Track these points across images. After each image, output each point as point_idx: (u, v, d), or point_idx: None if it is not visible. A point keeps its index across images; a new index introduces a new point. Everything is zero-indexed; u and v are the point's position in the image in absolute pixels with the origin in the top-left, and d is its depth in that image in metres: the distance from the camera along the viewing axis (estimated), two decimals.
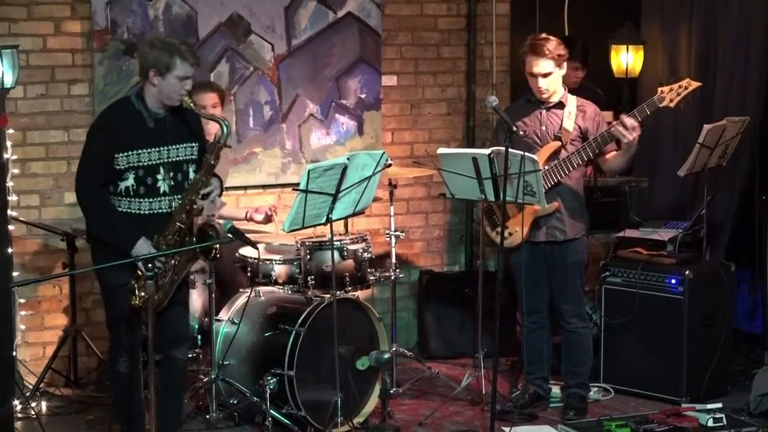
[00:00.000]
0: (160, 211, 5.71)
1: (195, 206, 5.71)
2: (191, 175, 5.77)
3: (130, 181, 5.66)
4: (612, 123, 6.48)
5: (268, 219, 7.12)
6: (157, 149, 5.68)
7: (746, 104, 7.78)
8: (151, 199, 5.69)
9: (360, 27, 7.87)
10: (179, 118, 5.77)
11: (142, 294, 5.54)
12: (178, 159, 5.74)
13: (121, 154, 5.61)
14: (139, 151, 5.64)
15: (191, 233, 5.73)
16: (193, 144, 5.80)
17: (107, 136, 5.65)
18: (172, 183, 5.72)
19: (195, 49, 5.84)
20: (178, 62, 5.62)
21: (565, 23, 8.35)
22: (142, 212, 5.69)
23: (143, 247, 5.57)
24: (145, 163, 5.66)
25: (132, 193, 5.67)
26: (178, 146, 5.74)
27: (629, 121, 6.31)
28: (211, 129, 6.40)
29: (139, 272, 5.55)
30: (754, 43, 7.81)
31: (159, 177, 5.69)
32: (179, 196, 5.72)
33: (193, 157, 5.79)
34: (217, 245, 5.73)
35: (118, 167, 5.62)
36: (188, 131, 5.80)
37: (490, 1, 8.18)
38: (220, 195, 5.90)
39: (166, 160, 5.71)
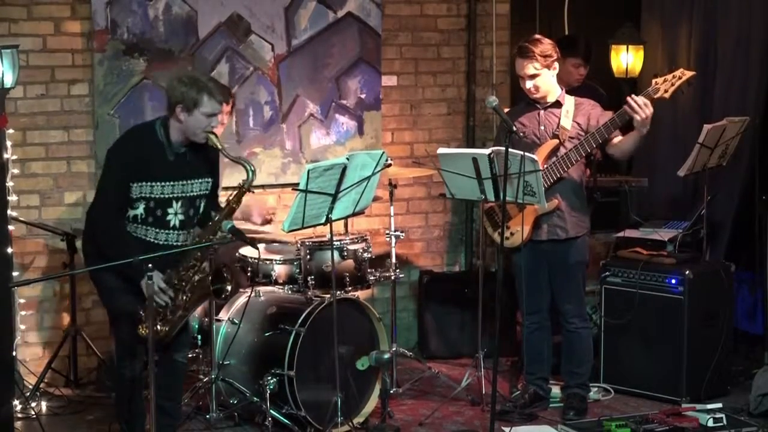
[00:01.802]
0: (166, 242, 5.70)
1: (211, 246, 5.70)
2: (202, 209, 5.76)
3: (139, 210, 5.65)
4: (619, 111, 6.47)
5: (266, 222, 7.11)
6: (172, 183, 5.66)
7: (746, 104, 7.78)
8: (158, 230, 5.69)
9: (360, 27, 7.87)
10: (198, 152, 5.73)
11: (147, 325, 5.53)
12: (192, 194, 5.73)
13: (135, 184, 5.59)
14: (153, 184, 5.62)
15: (209, 275, 5.69)
16: (209, 180, 5.79)
17: (126, 164, 5.62)
18: (183, 218, 5.71)
19: (225, 86, 5.79)
20: (206, 99, 5.58)
21: (565, 23, 8.36)
22: (149, 239, 5.68)
23: (155, 279, 5.48)
24: (158, 196, 5.64)
25: (140, 221, 5.67)
26: (194, 181, 5.73)
27: (640, 99, 6.33)
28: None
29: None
30: (754, 43, 7.82)
31: (170, 211, 5.68)
32: (189, 231, 5.72)
33: (206, 192, 5.79)
34: (228, 289, 5.72)
35: (131, 195, 5.61)
36: (206, 167, 5.78)
37: (490, 1, 8.18)
38: (232, 240, 5.84)
39: (180, 195, 5.69)
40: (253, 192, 5.91)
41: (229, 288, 5.72)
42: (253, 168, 5.75)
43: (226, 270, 5.72)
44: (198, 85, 5.60)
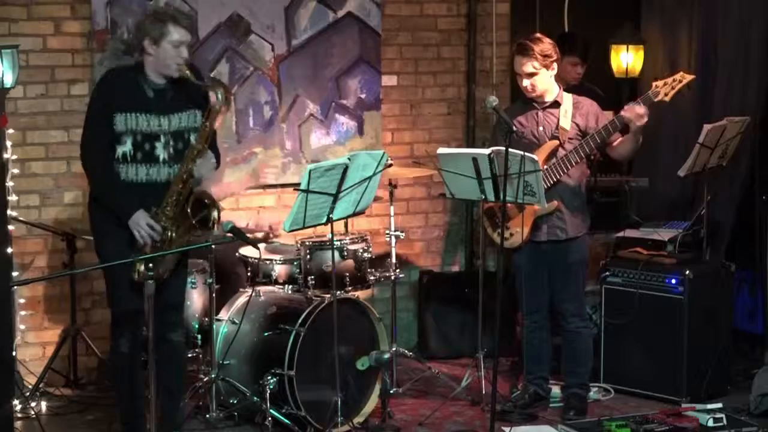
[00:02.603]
0: (158, 179, 5.69)
1: (193, 176, 5.68)
2: (193, 142, 5.75)
3: (127, 146, 5.65)
4: (617, 116, 6.48)
5: (266, 238, 7.08)
6: (157, 117, 5.67)
7: (746, 104, 7.77)
8: (148, 166, 5.68)
9: (360, 27, 7.87)
10: (180, 89, 5.73)
11: (141, 268, 5.52)
12: (180, 127, 5.73)
13: (119, 115, 5.61)
14: (138, 115, 5.64)
15: (188, 203, 5.68)
16: (197, 111, 5.77)
17: (107, 95, 5.66)
18: (172, 152, 5.71)
19: (188, 15, 5.84)
20: (171, 27, 5.62)
21: (565, 23, 8.35)
22: (139, 179, 5.68)
23: (141, 217, 5.56)
24: (144, 129, 5.65)
25: (129, 159, 5.66)
26: (180, 114, 5.73)
27: (639, 108, 6.36)
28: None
29: (137, 245, 5.55)
30: (754, 43, 7.81)
31: (158, 144, 5.68)
32: (176, 165, 5.71)
33: (196, 125, 5.76)
34: (215, 216, 5.68)
35: (116, 129, 5.61)
36: (190, 99, 5.76)
37: (490, 1, 8.18)
38: (217, 166, 5.85)
39: (167, 129, 5.69)
40: (227, 108, 6.02)
41: (214, 214, 5.67)
42: (222, 88, 5.73)
43: (206, 196, 5.68)
44: (161, 16, 5.65)
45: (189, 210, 5.65)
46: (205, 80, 5.89)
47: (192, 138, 5.74)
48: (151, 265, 5.16)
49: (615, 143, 6.58)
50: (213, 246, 6.41)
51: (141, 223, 5.56)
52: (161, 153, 5.69)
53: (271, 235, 7.09)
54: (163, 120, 5.69)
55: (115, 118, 5.62)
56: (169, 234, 5.67)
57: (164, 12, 5.71)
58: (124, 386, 5.87)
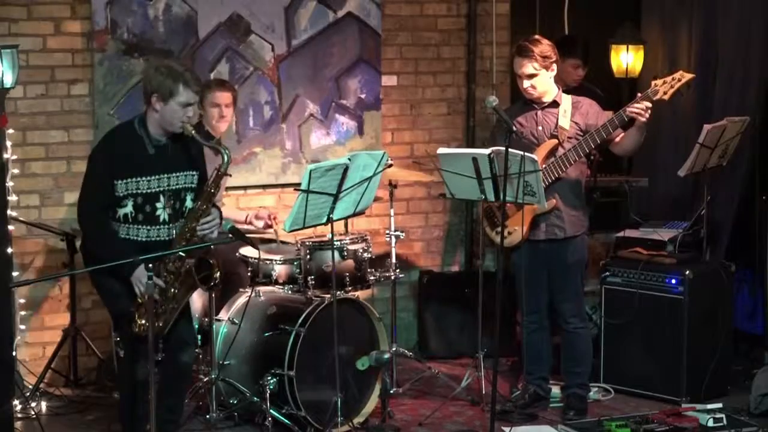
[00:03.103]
0: (158, 238, 5.73)
1: (196, 235, 5.71)
2: (188, 203, 5.78)
3: (128, 209, 5.68)
4: (619, 112, 6.49)
5: (267, 226, 7.11)
6: (157, 177, 5.70)
7: (746, 104, 7.77)
8: (149, 227, 5.71)
9: (360, 27, 7.87)
10: (181, 146, 5.77)
11: (142, 322, 5.54)
12: (177, 187, 5.76)
13: (119, 181, 5.63)
14: (138, 179, 5.66)
15: (191, 262, 5.70)
16: (193, 173, 5.80)
17: (107, 160, 5.67)
18: (171, 211, 5.73)
19: (199, 77, 5.84)
20: (181, 89, 5.62)
21: (565, 23, 8.35)
22: (140, 239, 5.71)
23: (142, 273, 5.52)
24: (144, 191, 5.67)
25: (130, 220, 5.69)
26: (178, 174, 5.75)
27: (642, 104, 6.38)
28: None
29: (138, 300, 5.55)
30: (754, 43, 7.81)
31: (159, 205, 5.71)
32: (178, 225, 5.73)
33: (192, 185, 5.80)
34: (217, 276, 5.69)
35: (117, 194, 5.64)
36: (189, 159, 5.80)
37: (490, 1, 8.18)
38: (219, 225, 5.87)
39: (166, 188, 5.72)
40: (230, 175, 5.96)
41: (217, 275, 5.70)
42: (227, 152, 5.78)
43: (210, 257, 5.71)
44: (174, 75, 5.64)
45: (193, 269, 5.67)
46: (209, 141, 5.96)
47: (188, 198, 5.78)
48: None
49: (617, 139, 6.58)
50: (213, 246, 6.40)
51: (143, 280, 5.51)
52: (162, 213, 5.72)
53: (273, 225, 7.08)
54: (163, 179, 5.71)
55: (115, 185, 5.63)
56: (172, 290, 5.68)
57: (178, 71, 5.66)
58: (128, 404, 5.87)
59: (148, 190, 5.68)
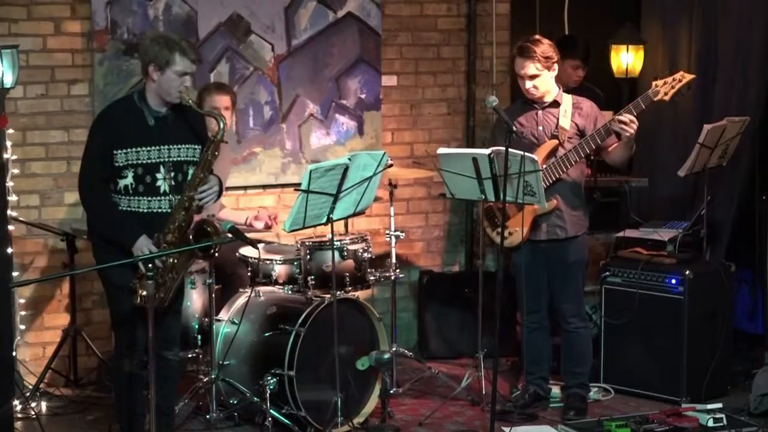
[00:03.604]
0: (159, 210, 5.72)
1: (194, 203, 5.71)
2: (191, 175, 5.77)
3: (129, 180, 5.67)
4: (611, 120, 6.50)
5: (267, 227, 7.12)
6: (157, 148, 5.70)
7: (746, 104, 7.78)
8: (150, 198, 5.71)
9: (360, 27, 7.87)
10: (181, 118, 5.77)
11: (144, 293, 5.54)
12: (179, 159, 5.75)
13: (119, 151, 5.63)
14: (138, 149, 5.66)
15: (190, 231, 5.72)
16: (196, 146, 5.80)
17: (107, 131, 5.68)
18: (173, 183, 5.73)
19: (196, 46, 5.86)
20: (177, 57, 5.64)
21: (565, 23, 8.36)
22: (141, 210, 5.70)
23: (143, 244, 5.58)
24: (144, 161, 5.67)
25: (131, 192, 5.69)
26: (179, 146, 5.75)
27: (626, 116, 6.37)
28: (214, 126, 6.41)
29: (140, 272, 5.56)
30: (754, 43, 7.81)
31: (159, 176, 5.70)
32: (177, 196, 5.73)
33: (195, 158, 5.79)
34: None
35: (117, 164, 5.64)
36: (191, 132, 5.80)
37: (490, 1, 8.18)
38: (219, 193, 5.89)
39: (166, 159, 5.72)
40: (227, 142, 5.99)
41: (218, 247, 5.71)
42: (224, 119, 5.79)
43: (209, 226, 5.71)
44: (170, 45, 5.65)
45: (192, 238, 5.67)
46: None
47: (190, 171, 5.77)
48: (151, 266, 5.17)
49: (610, 148, 6.58)
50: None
51: (144, 250, 5.54)
52: (162, 184, 5.72)
53: (273, 226, 7.08)
54: (163, 150, 5.71)
55: (115, 155, 5.64)
56: (172, 260, 5.68)
57: (173, 40, 5.70)
58: (123, 403, 5.88)
59: (148, 161, 5.67)
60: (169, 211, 5.71)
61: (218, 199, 5.99)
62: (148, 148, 5.67)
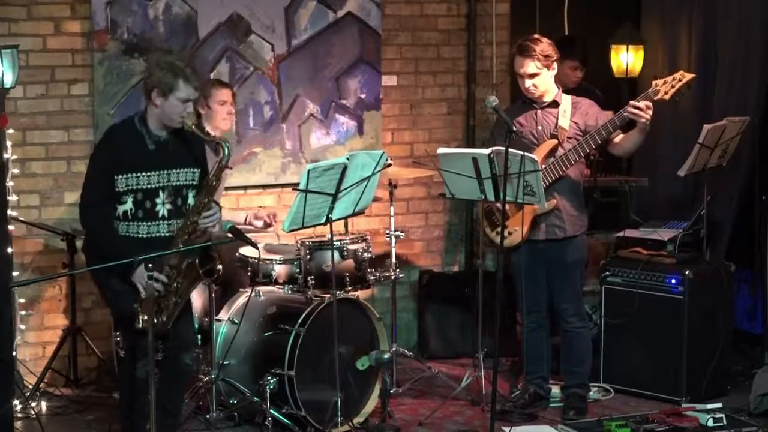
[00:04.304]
0: (158, 235, 5.73)
1: (197, 228, 5.71)
2: (191, 200, 5.78)
3: (128, 205, 5.69)
4: (625, 108, 6.47)
5: (267, 226, 7.11)
6: (157, 172, 5.70)
7: (746, 104, 7.77)
8: (149, 223, 5.72)
9: (360, 27, 7.87)
10: (182, 142, 5.77)
11: (146, 317, 5.54)
12: (178, 183, 5.76)
13: (120, 176, 5.64)
14: (138, 174, 5.67)
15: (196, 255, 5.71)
16: (195, 170, 5.81)
17: (108, 156, 5.69)
18: (171, 207, 5.74)
19: (199, 74, 5.87)
20: (181, 84, 5.64)
21: (565, 23, 8.35)
22: (140, 236, 5.72)
23: (142, 272, 5.51)
24: (144, 187, 5.68)
25: (130, 217, 5.70)
26: (179, 170, 5.76)
27: (641, 103, 6.37)
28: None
29: (140, 290, 5.56)
30: (754, 43, 7.81)
31: (158, 201, 5.72)
32: (178, 221, 5.73)
33: (194, 182, 5.80)
34: (219, 268, 5.73)
35: (117, 189, 5.65)
36: (190, 156, 5.81)
37: (490, 1, 8.18)
38: (220, 219, 5.89)
39: (166, 184, 5.73)
40: (231, 168, 5.98)
41: (219, 267, 5.72)
42: (229, 144, 5.80)
43: (213, 250, 5.72)
44: (174, 71, 5.66)
45: (197, 262, 5.67)
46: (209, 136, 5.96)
47: (190, 195, 5.78)
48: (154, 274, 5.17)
49: (617, 140, 6.58)
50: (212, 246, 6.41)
51: (144, 277, 5.48)
52: (161, 209, 5.73)
53: (272, 223, 7.08)
54: (163, 175, 5.72)
55: (116, 180, 5.65)
56: (175, 285, 5.69)
57: (178, 66, 5.70)
58: (129, 404, 5.87)
59: (148, 186, 5.69)
60: (167, 235, 5.72)
61: (218, 223, 5.98)
62: (148, 173, 5.68)
